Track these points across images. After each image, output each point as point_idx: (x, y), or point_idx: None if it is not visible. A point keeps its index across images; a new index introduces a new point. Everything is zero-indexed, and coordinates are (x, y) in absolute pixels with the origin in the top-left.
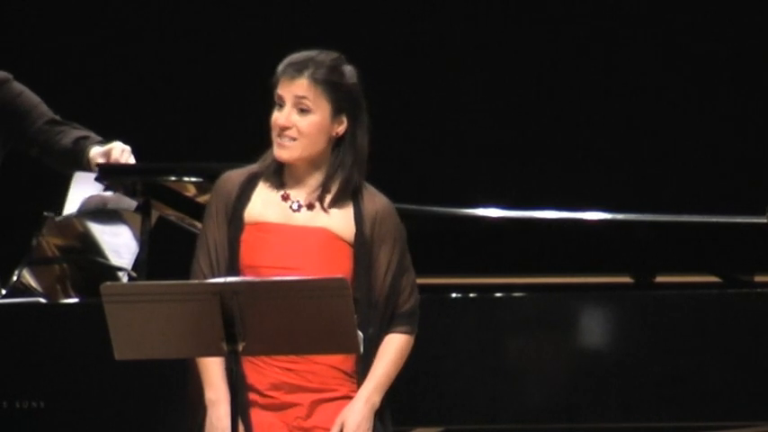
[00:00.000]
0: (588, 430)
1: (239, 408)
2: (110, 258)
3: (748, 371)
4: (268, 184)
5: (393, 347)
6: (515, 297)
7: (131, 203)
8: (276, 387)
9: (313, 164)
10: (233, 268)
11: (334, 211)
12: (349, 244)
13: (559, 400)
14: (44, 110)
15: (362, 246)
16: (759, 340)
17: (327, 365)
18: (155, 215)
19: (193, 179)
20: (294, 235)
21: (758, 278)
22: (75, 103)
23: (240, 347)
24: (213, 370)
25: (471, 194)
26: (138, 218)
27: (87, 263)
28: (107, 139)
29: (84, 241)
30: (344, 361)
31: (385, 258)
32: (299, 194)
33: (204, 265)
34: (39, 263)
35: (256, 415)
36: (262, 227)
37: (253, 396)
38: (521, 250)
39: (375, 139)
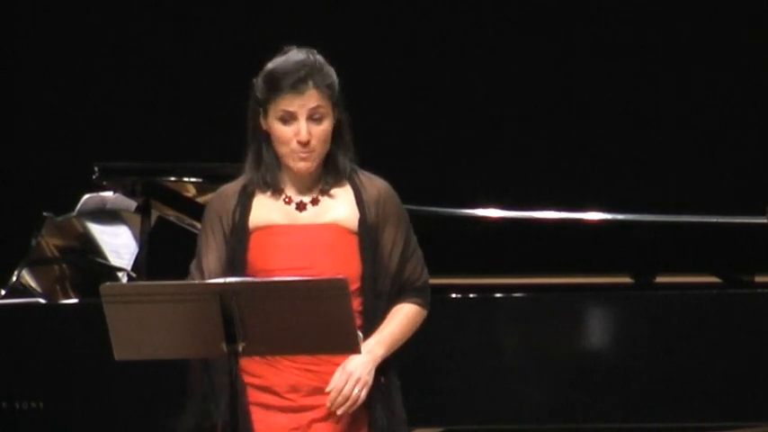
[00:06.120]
0: (588, 430)
1: (240, 409)
2: (109, 259)
3: (748, 371)
4: (265, 193)
5: (403, 313)
6: (515, 297)
7: (131, 204)
8: (295, 389)
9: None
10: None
11: (338, 198)
12: (355, 233)
13: (559, 400)
14: None
15: (367, 230)
16: (759, 340)
17: None
18: (154, 215)
19: (193, 179)
20: (302, 233)
21: (758, 278)
22: (77, 104)
23: (240, 348)
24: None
25: (471, 194)
26: (137, 218)
27: (87, 263)
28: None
29: (84, 242)
30: None
31: (389, 238)
32: (300, 195)
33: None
34: (38, 263)
35: (271, 417)
36: (270, 230)
37: (270, 398)
38: (521, 250)
39: (376, 139)
